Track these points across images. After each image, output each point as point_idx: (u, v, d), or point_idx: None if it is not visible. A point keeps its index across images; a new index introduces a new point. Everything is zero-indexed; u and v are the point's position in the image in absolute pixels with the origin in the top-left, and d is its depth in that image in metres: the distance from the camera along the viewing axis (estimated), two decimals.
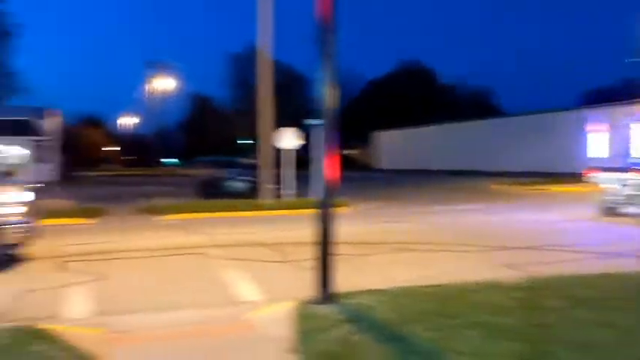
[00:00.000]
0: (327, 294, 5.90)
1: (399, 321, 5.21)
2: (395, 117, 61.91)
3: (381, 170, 56.19)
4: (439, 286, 6.60)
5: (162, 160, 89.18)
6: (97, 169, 64.85)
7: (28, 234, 8.60)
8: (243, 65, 76.14)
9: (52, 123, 36.48)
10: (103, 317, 6.02)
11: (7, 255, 8.56)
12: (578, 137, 35.92)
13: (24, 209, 8.54)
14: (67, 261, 9.20)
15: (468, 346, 4.53)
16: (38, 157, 32.86)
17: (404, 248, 10.25)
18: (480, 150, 44.57)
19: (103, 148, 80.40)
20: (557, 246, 10.18)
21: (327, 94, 5.95)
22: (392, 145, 59.31)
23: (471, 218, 14.98)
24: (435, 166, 47.66)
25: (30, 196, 8.70)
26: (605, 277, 7.01)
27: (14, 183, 8.84)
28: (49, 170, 31.56)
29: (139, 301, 6.80)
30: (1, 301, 6.70)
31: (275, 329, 5.45)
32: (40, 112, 35.44)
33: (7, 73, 44.64)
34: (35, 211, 8.93)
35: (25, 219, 8.49)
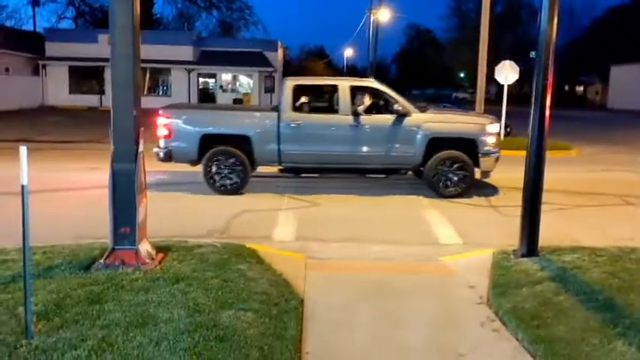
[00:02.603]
0: (531, 247, 5.47)
1: (616, 287, 4.61)
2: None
3: (616, 110, 49.69)
4: None
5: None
6: None
7: (497, 162, 9.47)
8: None
9: (280, 55, 39.18)
10: (307, 242, 6.46)
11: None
12: None
13: (497, 139, 9.54)
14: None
15: None
16: (267, 88, 35.95)
17: (627, 202, 9.03)
18: None
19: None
20: None
21: (546, 23, 5.29)
22: (630, 82, 51.67)
23: None
24: None
25: (498, 127, 9.56)
26: None
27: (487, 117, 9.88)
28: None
29: (344, 230, 7.13)
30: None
31: (471, 277, 5.28)
32: (271, 45, 38.11)
33: (240, 7, 48.69)
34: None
35: (496, 148, 9.42)
